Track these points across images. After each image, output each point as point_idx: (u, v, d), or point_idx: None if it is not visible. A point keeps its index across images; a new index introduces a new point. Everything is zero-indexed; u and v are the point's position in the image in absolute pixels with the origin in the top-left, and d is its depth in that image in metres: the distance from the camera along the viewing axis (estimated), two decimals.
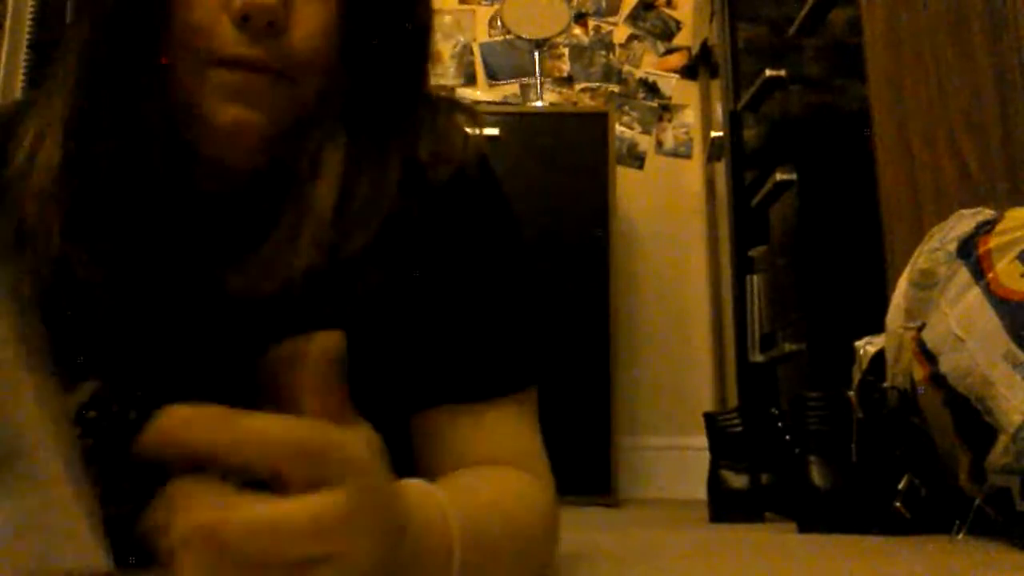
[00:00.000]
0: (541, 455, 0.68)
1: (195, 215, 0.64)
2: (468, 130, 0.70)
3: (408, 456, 0.66)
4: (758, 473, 1.70)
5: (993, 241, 1.18)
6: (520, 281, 0.70)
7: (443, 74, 3.06)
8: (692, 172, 3.00)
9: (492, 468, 0.64)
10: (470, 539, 0.50)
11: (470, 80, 3.07)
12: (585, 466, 2.32)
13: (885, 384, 1.36)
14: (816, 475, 1.37)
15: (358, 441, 0.39)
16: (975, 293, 1.16)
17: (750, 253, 2.40)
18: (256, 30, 0.55)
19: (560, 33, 2.90)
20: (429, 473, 0.64)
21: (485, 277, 0.68)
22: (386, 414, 0.65)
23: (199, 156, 0.62)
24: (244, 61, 0.56)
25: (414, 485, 0.49)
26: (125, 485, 0.58)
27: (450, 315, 0.66)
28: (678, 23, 3.11)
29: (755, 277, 2.36)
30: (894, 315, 1.36)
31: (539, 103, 2.79)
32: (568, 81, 3.06)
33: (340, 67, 0.61)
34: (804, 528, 1.35)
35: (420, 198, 0.66)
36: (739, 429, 1.75)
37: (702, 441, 1.85)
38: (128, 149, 0.58)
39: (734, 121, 2.57)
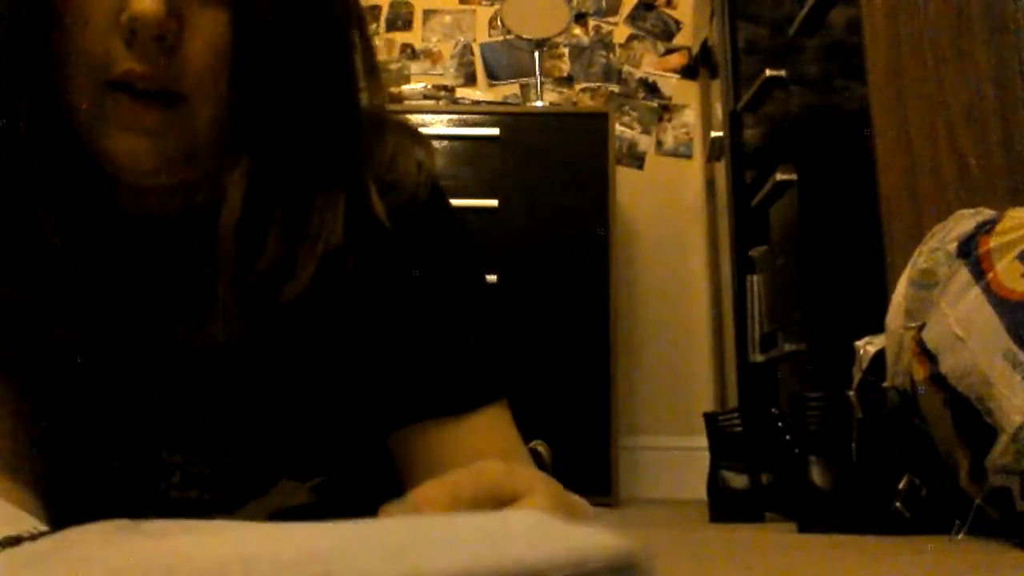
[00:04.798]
0: (524, 458, 0.69)
1: (128, 241, 0.62)
2: (418, 154, 0.68)
3: (388, 474, 0.67)
4: (758, 473, 1.70)
5: (993, 241, 1.18)
6: (482, 298, 0.70)
7: (443, 74, 3.07)
8: (692, 172, 3.00)
9: None
10: None
11: (470, 80, 3.07)
12: (585, 466, 2.31)
13: (885, 384, 1.36)
14: (816, 475, 1.37)
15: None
16: (975, 293, 1.16)
17: (750, 253, 2.41)
18: (145, 46, 0.53)
19: (560, 33, 2.90)
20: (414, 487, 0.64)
21: (448, 298, 0.67)
22: (362, 434, 0.65)
23: (112, 182, 0.59)
24: (134, 80, 0.54)
25: None
26: (58, 495, 0.58)
27: (416, 337, 0.65)
28: (678, 23, 3.11)
29: (755, 277, 2.36)
30: (894, 315, 1.36)
31: (539, 103, 2.79)
32: (568, 81, 3.06)
33: (234, 87, 0.57)
34: (804, 528, 1.35)
35: (369, 230, 0.63)
36: (739, 429, 1.75)
37: (702, 441, 1.85)
38: (32, 177, 0.56)
39: (734, 121, 2.57)
